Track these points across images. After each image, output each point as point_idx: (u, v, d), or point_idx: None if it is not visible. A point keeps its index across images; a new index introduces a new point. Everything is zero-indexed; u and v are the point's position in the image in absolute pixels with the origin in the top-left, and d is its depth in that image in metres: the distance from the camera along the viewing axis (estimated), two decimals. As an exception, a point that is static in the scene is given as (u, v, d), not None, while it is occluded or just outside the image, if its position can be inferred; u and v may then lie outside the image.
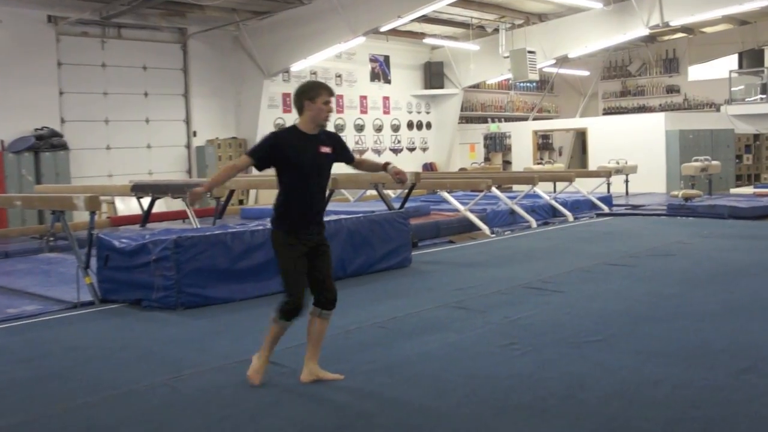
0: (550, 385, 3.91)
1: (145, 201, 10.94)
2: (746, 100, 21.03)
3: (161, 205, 12.18)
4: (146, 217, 10.95)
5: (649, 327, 5.05)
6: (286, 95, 17.55)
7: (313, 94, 4.13)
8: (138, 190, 10.83)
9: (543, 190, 13.47)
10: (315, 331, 4.18)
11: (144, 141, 14.99)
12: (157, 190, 10.66)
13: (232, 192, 12.53)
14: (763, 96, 20.63)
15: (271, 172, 4.25)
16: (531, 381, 4.00)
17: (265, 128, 16.30)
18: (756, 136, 20.30)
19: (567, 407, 3.61)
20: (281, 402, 3.82)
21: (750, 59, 22.38)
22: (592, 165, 18.57)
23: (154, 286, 6.22)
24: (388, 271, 7.71)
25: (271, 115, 17.02)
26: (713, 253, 8.28)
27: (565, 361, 4.33)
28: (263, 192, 15.90)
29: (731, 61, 22.42)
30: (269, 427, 3.47)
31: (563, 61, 21.02)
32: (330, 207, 10.54)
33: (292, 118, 17.52)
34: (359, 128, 19.39)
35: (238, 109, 16.37)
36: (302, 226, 4.10)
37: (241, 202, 15.66)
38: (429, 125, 21.42)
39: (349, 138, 19.11)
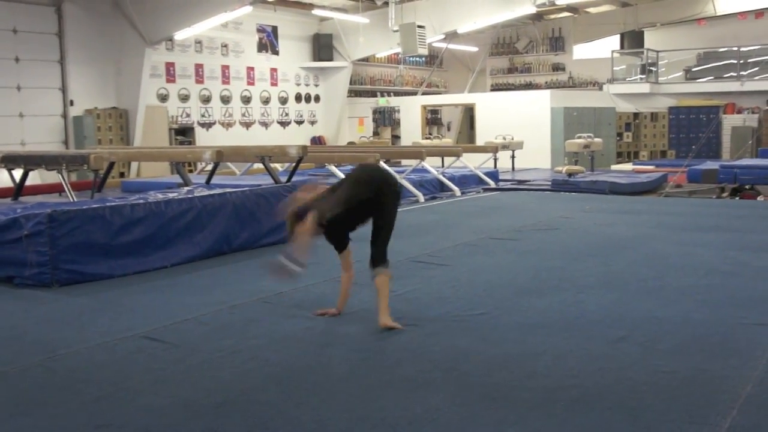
0: (434, 358, 4.00)
1: (18, 173, 10.41)
2: (627, 79, 21.99)
3: (35, 178, 11.63)
4: (18, 190, 10.44)
5: (531, 300, 5.24)
6: (169, 65, 17.07)
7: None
8: (8, 161, 10.30)
9: (431, 164, 13.68)
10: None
11: (15, 109, 14.23)
12: (30, 162, 10.17)
13: (112, 164, 12.11)
14: (643, 76, 21.63)
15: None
16: (416, 354, 4.07)
17: (147, 98, 15.80)
18: (636, 115, 21.28)
19: (451, 379, 3.70)
20: (162, 380, 3.74)
21: (631, 40, 23.41)
22: (480, 140, 18.99)
23: (27, 263, 5.94)
24: (275, 246, 7.62)
25: (154, 85, 16.50)
26: (594, 227, 8.65)
27: (450, 334, 4.43)
28: (146, 164, 15.44)
29: (614, 42, 23.37)
30: (149, 407, 3.39)
31: (452, 36, 21.32)
32: (215, 180, 10.40)
33: (176, 89, 17.07)
34: (246, 100, 19.07)
35: (118, 78, 15.76)
36: None
37: (122, 175, 15.14)
38: (318, 98, 21.31)
39: (236, 110, 18.79)
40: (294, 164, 10.54)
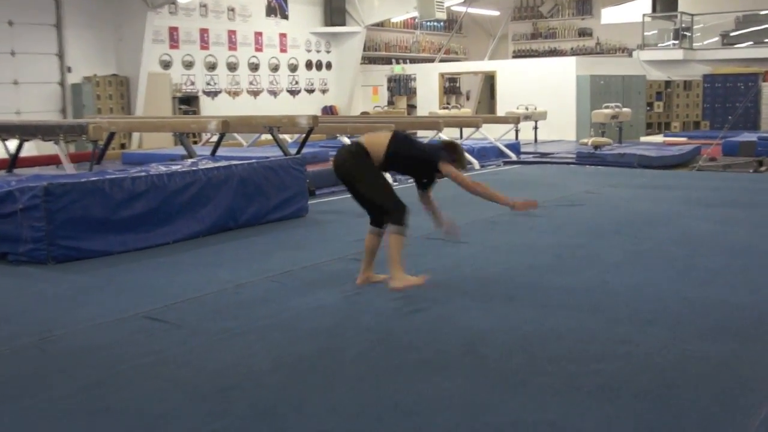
0: (450, 341, 3.98)
1: (12, 144, 10.45)
2: (659, 45, 21.74)
3: (31, 149, 11.67)
4: (13, 161, 10.48)
5: (553, 279, 5.20)
6: (173, 29, 17.02)
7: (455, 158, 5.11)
8: (2, 131, 10.33)
9: (449, 136, 13.58)
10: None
11: (9, 76, 14.25)
12: (26, 132, 10.20)
13: (112, 135, 12.13)
14: (676, 42, 21.37)
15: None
16: (431, 336, 4.06)
17: (149, 65, 15.79)
18: (667, 83, 21.05)
19: (467, 362, 3.68)
20: (164, 362, 3.74)
21: (664, 3, 23.05)
22: (501, 110, 18.88)
23: (22, 238, 5.97)
24: (283, 222, 7.67)
25: (157, 51, 16.48)
26: (621, 203, 8.58)
27: (467, 316, 4.41)
28: (147, 135, 15.46)
29: (645, 5, 23.04)
30: (149, 391, 3.40)
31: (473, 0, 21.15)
32: (221, 152, 10.40)
33: (179, 55, 17.03)
34: (254, 67, 19.02)
35: (119, 44, 15.75)
36: None
37: (122, 146, 15.18)
38: (329, 65, 21.22)
39: (243, 78, 18.75)
40: (304, 135, 10.50)
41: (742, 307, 4.49)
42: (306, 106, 19.75)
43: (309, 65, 20.63)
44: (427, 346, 3.91)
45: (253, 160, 7.87)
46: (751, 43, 20.80)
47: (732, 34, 21.27)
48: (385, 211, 4.95)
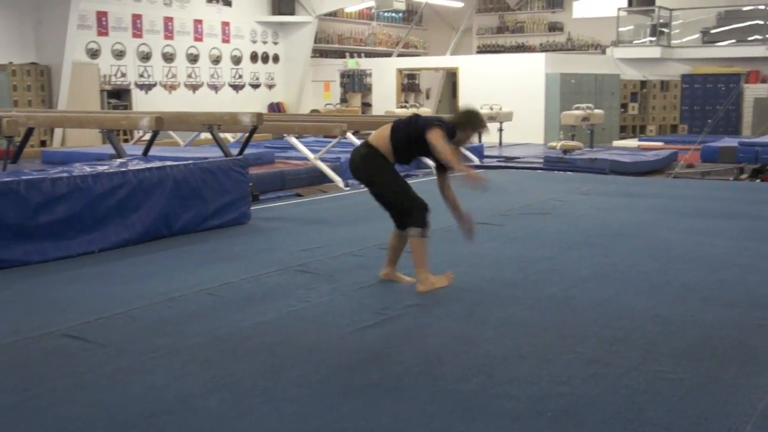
0: (404, 360, 3.99)
1: None
2: (634, 42, 22.09)
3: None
4: None
5: (517, 294, 5.25)
6: (101, 15, 16.84)
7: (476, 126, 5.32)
8: None
9: (407, 137, 13.61)
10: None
11: None
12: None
13: (30, 130, 11.95)
14: (653, 38, 21.73)
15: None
16: (382, 356, 4.07)
17: (74, 54, 15.57)
18: (643, 83, 21.39)
19: (422, 384, 3.69)
20: (84, 386, 3.69)
21: (641, -4, 23.41)
22: (464, 110, 18.95)
23: (-75, 246, 5.85)
24: (222, 229, 7.62)
25: (82, 39, 16.28)
26: (591, 212, 8.69)
27: (423, 333, 4.43)
28: (71, 132, 15.25)
29: (620, -2, 23.35)
30: (67, 418, 3.35)
31: (434, -12, 21.28)
32: (155, 151, 10.30)
33: (109, 43, 16.85)
34: (192, 59, 18.90)
35: (38, 29, 15.50)
36: None
37: (43, 143, 14.95)
38: (276, 58, 21.17)
39: (180, 70, 18.61)
40: (247, 134, 10.44)
41: (719, 325, 4.57)
42: (250, 103, 19.66)
43: (254, 57, 20.56)
44: (378, 367, 3.91)
45: (190, 161, 7.82)
46: (734, 41, 21.23)
47: (713, 31, 21.69)
48: (405, 212, 5.28)
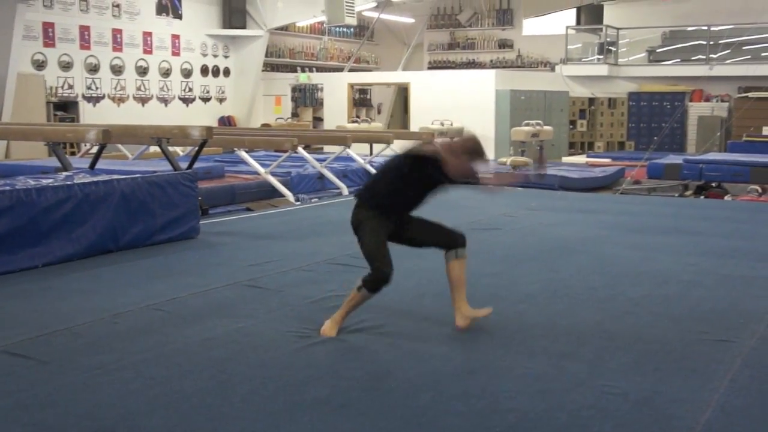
0: (352, 376, 3.98)
1: None
2: (583, 60, 22.40)
3: None
4: None
5: (466, 309, 5.26)
6: (47, 25, 16.61)
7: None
8: None
9: (358, 152, 13.66)
10: (455, 276, 4.86)
11: None
12: None
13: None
14: (601, 57, 22.07)
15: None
16: (331, 371, 4.05)
17: (18, 65, 15.32)
18: (591, 100, 21.69)
19: (371, 400, 3.69)
20: (24, 405, 3.61)
21: (589, 15, 23.79)
22: (414, 126, 19.07)
23: None
24: (171, 243, 7.55)
25: (28, 50, 16.02)
26: (539, 227, 8.77)
27: (371, 349, 4.43)
28: (16, 145, 15.00)
29: (569, 17, 23.72)
30: (7, 435, 3.28)
31: (386, 4, 21.36)
32: (102, 165, 10.15)
33: (55, 55, 16.62)
34: (142, 71, 18.71)
35: (-18, 39, 15.23)
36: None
37: (-15, 156, 14.68)
38: (227, 72, 21.06)
39: (129, 83, 18.42)
40: (197, 148, 10.35)
41: (663, 339, 4.63)
42: (201, 116, 19.52)
43: (205, 71, 20.43)
44: (326, 383, 3.89)
45: (138, 175, 7.73)
46: (678, 60, 21.66)
47: (659, 50, 22.12)
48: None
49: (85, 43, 17.41)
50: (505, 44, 25.07)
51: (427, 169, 4.63)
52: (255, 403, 3.64)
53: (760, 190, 12.80)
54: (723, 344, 4.57)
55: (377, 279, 4.62)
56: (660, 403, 3.66)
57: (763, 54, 20.55)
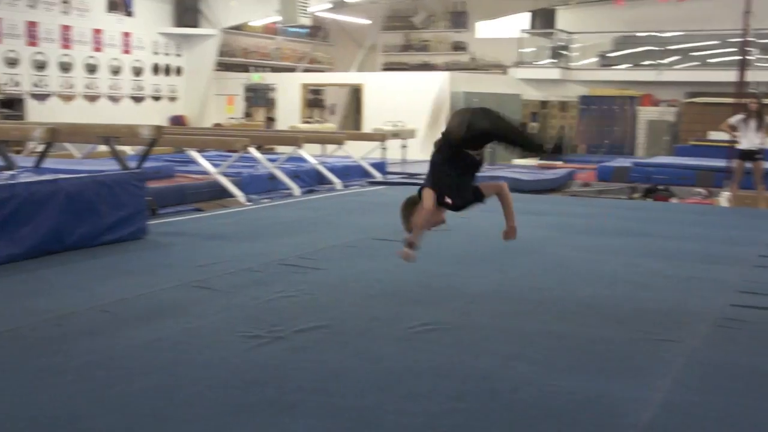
0: (300, 377, 3.96)
1: None
2: (535, 63, 22.63)
3: None
4: None
5: (416, 310, 5.28)
6: (-6, 21, 16.31)
7: None
8: None
9: (310, 153, 13.64)
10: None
11: None
12: None
13: None
14: (553, 60, 22.32)
15: None
16: (278, 373, 4.03)
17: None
18: (543, 103, 21.92)
19: (318, 401, 3.67)
20: (-37, 406, 3.54)
21: (542, 20, 24.05)
22: (367, 127, 19.09)
23: None
24: (118, 244, 7.44)
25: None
26: (491, 229, 8.73)
27: (319, 349, 4.41)
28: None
29: (523, 20, 23.95)
30: (-56, 438, 3.21)
31: (340, 5, 21.35)
32: (49, 164, 10.01)
33: (1, 51, 16.32)
34: (91, 69, 18.50)
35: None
36: None
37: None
38: (179, 71, 20.90)
39: (78, 80, 18.19)
40: (146, 147, 10.25)
41: (609, 340, 4.69)
42: (151, 115, 19.35)
43: (156, 69, 20.25)
44: (273, 384, 3.87)
45: (84, 174, 7.63)
46: (629, 65, 21.97)
47: (609, 55, 22.42)
48: None
49: (32, 39, 17.16)
50: (458, 47, 25.22)
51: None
52: (201, 405, 3.61)
53: (705, 193, 13.05)
54: (667, 344, 4.64)
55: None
56: (605, 403, 3.71)
57: (709, 60, 20.94)
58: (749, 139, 12.11)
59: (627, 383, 3.97)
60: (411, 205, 5.11)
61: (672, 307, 5.53)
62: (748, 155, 12.16)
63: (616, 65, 22.19)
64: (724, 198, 12.44)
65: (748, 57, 13.93)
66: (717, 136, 16.01)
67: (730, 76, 14.53)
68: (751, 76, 14.24)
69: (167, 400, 3.66)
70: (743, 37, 13.56)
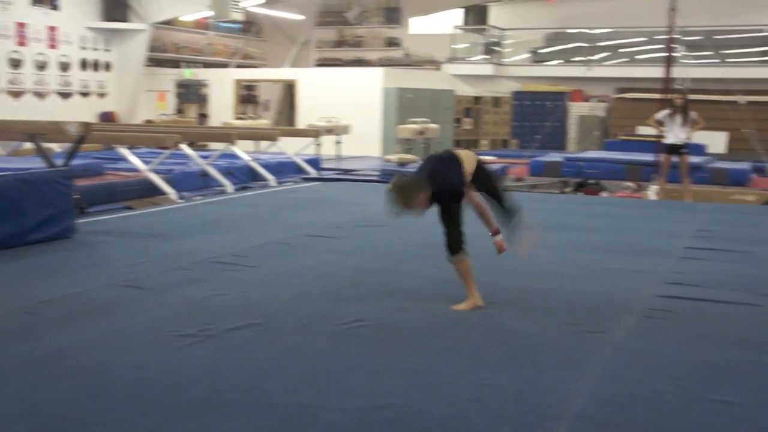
0: (232, 376, 3.94)
1: None
2: (468, 59, 22.80)
3: None
4: None
5: (350, 306, 5.28)
6: None
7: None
8: None
9: (243, 149, 13.55)
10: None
11: None
12: None
13: None
14: (486, 56, 22.51)
15: None
16: (210, 371, 3.99)
17: None
18: (477, 99, 22.10)
19: (250, 399, 3.65)
20: None
21: (474, 16, 24.25)
22: (301, 123, 19.03)
23: None
24: (45, 244, 7.29)
25: None
26: (425, 224, 8.78)
27: (252, 347, 4.38)
28: None
29: (456, 17, 24.10)
30: None
31: (273, 1, 21.22)
32: (-29, 162, 9.76)
33: None
34: (15, 64, 18.04)
35: None
36: None
37: None
38: (108, 66, 20.52)
39: (1, 76, 17.74)
40: (74, 145, 10.05)
41: (540, 333, 4.76)
42: (80, 112, 18.93)
43: (84, 65, 19.85)
44: (204, 383, 3.83)
45: (8, 172, 7.46)
46: (561, 61, 22.28)
47: (541, 51, 22.71)
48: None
49: (-48, 33, 16.68)
50: (392, 42, 25.26)
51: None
52: (131, 407, 3.55)
53: (634, 187, 13.31)
54: (596, 335, 4.73)
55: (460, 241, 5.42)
56: (535, 394, 3.76)
57: (638, 57, 21.35)
58: (675, 134, 12.39)
59: (557, 374, 4.03)
60: (406, 189, 5.28)
61: (601, 298, 5.63)
62: (675, 149, 12.43)
63: (548, 61, 22.49)
64: (652, 191, 12.70)
65: (673, 54, 14.22)
66: (645, 131, 16.33)
67: (657, 72, 14.84)
68: (676, 72, 14.55)
69: (95, 402, 3.60)
70: (669, 34, 13.86)
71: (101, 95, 20.39)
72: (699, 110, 13.15)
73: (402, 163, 14.37)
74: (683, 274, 6.46)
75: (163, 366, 4.08)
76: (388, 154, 17.01)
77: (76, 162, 9.88)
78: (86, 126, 9.44)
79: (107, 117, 20.16)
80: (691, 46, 18.05)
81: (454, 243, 5.38)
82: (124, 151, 11.54)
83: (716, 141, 19.11)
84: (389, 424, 3.39)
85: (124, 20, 20.01)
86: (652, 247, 7.64)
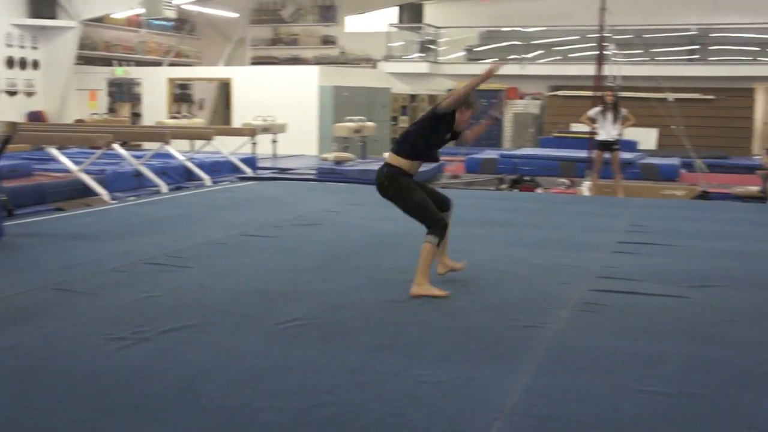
0: (166, 378, 3.88)
1: None
2: (404, 57, 22.86)
3: None
4: None
5: (285, 306, 5.25)
6: None
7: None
8: None
9: (178, 149, 13.39)
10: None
11: None
12: None
13: None
14: (422, 54, 22.60)
15: None
16: (144, 375, 3.93)
17: None
18: (413, 97, 22.17)
19: (185, 402, 3.61)
20: None
21: (410, 14, 24.33)
22: (237, 122, 18.88)
23: None
24: (-28, 247, 7.13)
25: None
26: (362, 222, 8.87)
27: (187, 349, 4.33)
28: None
29: (391, 15, 24.16)
30: None
31: (206, -2, 21.02)
32: None
33: None
34: (-61, 63, 17.54)
35: None
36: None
37: None
38: (36, 64, 20.07)
39: (-74, 75, 17.23)
40: (0, 145, 9.82)
41: (476, 328, 4.79)
42: (6, 111, 18.47)
43: (10, 63, 19.37)
44: (138, 386, 3.78)
45: (-67, 174, 7.25)
46: (496, 59, 22.44)
47: (476, 49, 22.88)
48: (426, 226, 5.61)
49: None
50: (328, 41, 25.19)
51: (447, 124, 5.65)
52: (60, 413, 3.48)
53: (568, 183, 13.50)
54: (531, 330, 4.78)
55: (441, 227, 5.59)
56: (472, 389, 3.78)
57: (571, 55, 21.64)
58: (607, 131, 12.59)
59: (493, 369, 4.07)
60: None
61: (535, 294, 5.70)
62: (606, 146, 12.64)
63: (483, 59, 22.66)
64: (585, 187, 12.89)
65: (605, 52, 14.46)
66: (578, 127, 16.58)
67: (589, 70, 15.06)
68: (608, 70, 14.81)
69: (22, 408, 3.52)
70: (600, 33, 14.08)
71: (29, 94, 19.94)
72: (629, 107, 13.40)
73: (339, 162, 14.35)
74: (616, 268, 6.58)
75: (94, 370, 4.00)
76: (325, 153, 16.97)
77: (3, 163, 9.66)
78: (13, 126, 9.21)
79: (36, 116, 19.71)
80: (622, 45, 18.34)
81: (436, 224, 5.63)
82: (54, 152, 11.32)
83: (647, 137, 19.50)
84: (327, 423, 3.38)
85: (52, 17, 19.58)
86: (586, 242, 7.76)
